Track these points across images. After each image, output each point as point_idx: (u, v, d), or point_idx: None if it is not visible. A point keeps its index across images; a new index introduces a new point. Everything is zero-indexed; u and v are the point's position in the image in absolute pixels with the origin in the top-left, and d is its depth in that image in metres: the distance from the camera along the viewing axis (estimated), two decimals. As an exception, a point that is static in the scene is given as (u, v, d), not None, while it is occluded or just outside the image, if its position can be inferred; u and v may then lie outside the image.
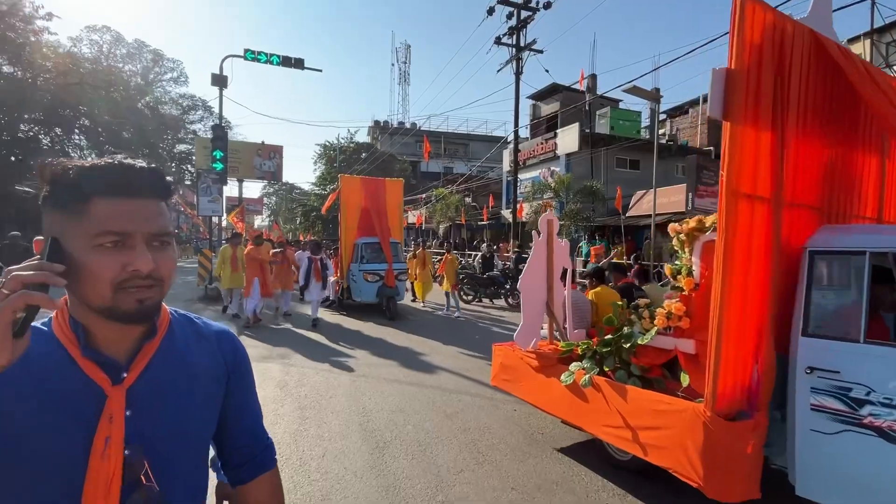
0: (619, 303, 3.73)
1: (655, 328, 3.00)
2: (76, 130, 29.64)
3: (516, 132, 14.42)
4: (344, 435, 3.77)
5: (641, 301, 3.42)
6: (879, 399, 2.07)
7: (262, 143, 30.90)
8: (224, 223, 15.50)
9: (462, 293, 10.77)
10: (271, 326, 8.10)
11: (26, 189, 22.48)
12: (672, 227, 3.16)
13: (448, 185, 25.91)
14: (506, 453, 3.47)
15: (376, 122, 53.25)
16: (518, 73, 14.17)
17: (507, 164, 22.52)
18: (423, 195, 31.35)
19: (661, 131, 20.73)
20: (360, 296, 9.14)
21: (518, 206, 15.32)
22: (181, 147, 42.10)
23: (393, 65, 78.87)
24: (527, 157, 21.01)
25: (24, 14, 18.67)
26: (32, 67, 22.10)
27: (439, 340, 7.08)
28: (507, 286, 10.94)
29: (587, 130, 17.78)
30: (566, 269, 3.98)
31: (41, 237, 0.78)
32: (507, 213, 22.39)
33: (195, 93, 48.82)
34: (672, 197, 13.72)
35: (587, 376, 3.03)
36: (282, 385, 4.99)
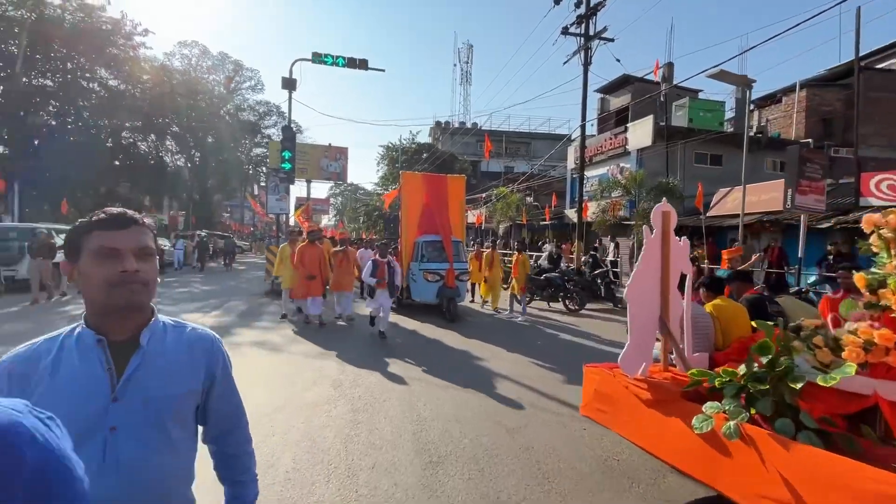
0: (754, 322, 2.77)
1: (847, 364, 2.11)
2: (168, 137, 32.46)
3: (583, 126, 13.61)
4: (396, 444, 3.51)
5: (807, 321, 2.50)
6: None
7: (329, 145, 32.08)
8: (291, 221, 16.17)
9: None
10: (333, 324, 8.14)
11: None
12: (869, 218, 2.32)
13: (509, 184, 25.32)
14: (575, 482, 3.03)
15: (437, 123, 53.70)
16: (586, 64, 13.36)
17: (571, 162, 21.54)
18: (483, 195, 31.00)
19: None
20: (419, 296, 8.93)
21: (584, 204, 14.48)
22: (257, 150, 45.11)
23: (455, 65, 79.06)
24: (594, 153, 19.92)
25: (125, 31, 20.65)
26: (131, 80, 24.42)
27: (501, 346, 6.68)
28: (570, 287, 10.28)
29: (662, 123, 16.44)
30: (685, 275, 3.17)
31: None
32: (570, 213, 21.40)
33: (270, 99, 52.02)
34: (765, 194, 12.23)
35: (732, 423, 2.14)
36: (336, 385, 4.86)
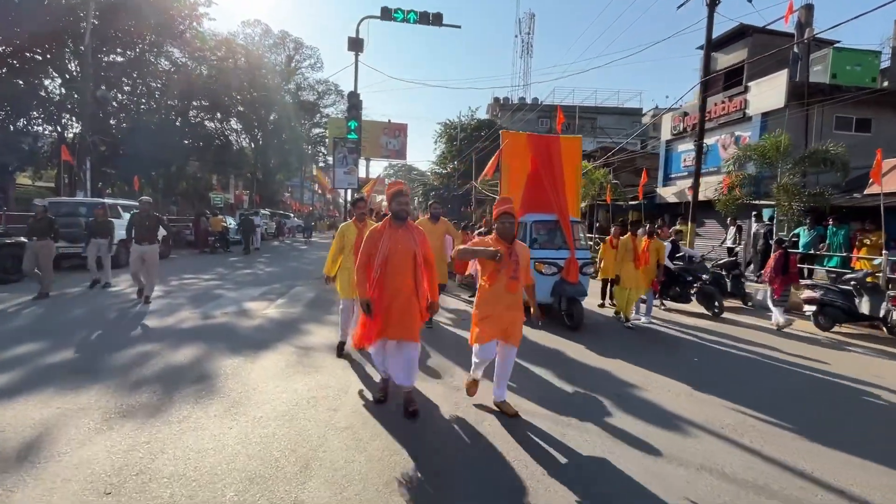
0: None
1: None
2: (233, 116, 32.56)
3: (705, 83, 11.09)
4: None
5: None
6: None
7: (389, 121, 30.69)
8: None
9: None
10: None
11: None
12: None
13: (587, 160, 22.84)
14: None
15: (496, 99, 51.15)
16: (713, 3, 10.78)
17: (667, 132, 18.74)
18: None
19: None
20: (539, 294, 6.78)
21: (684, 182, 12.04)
22: (316, 131, 44.96)
23: (516, 36, 75.21)
24: (696, 121, 17.03)
25: (188, 2, 20.14)
26: (197, 55, 24.19)
27: (653, 369, 4.79)
28: (705, 284, 8.17)
29: (794, 79, 13.39)
30: None
31: None
32: (664, 191, 18.72)
33: (329, 77, 51.58)
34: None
35: None
36: (431, 426, 3.33)
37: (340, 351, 4.84)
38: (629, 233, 7.08)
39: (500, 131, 7.77)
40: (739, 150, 11.16)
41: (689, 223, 11.42)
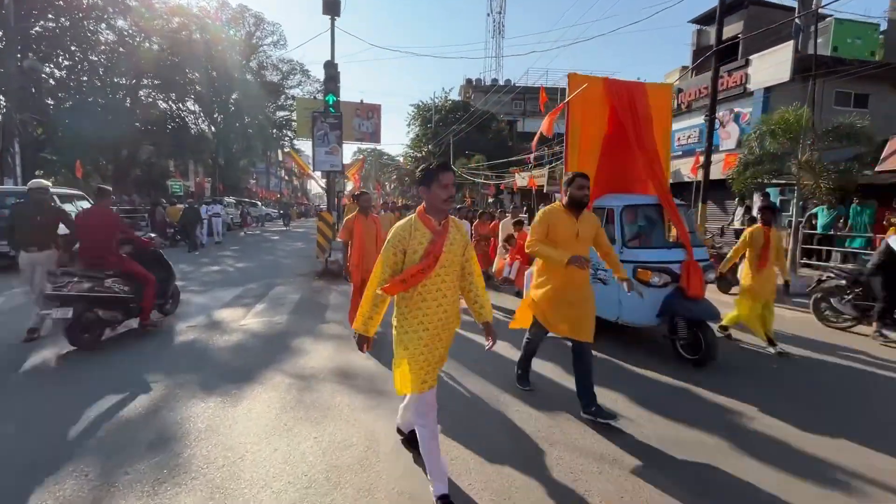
0: None
1: None
2: (190, 96, 29.92)
3: (719, 52, 10.22)
4: None
5: None
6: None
7: (361, 101, 29.04)
8: (348, 186, 13.51)
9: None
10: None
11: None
12: None
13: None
14: None
15: (468, 81, 49.72)
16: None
17: (659, 110, 17.99)
18: (531, 155, 27.71)
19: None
20: (619, 312, 4.59)
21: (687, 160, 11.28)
22: (281, 113, 42.31)
23: (488, 14, 73.45)
24: (693, 97, 16.40)
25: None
26: (146, 27, 21.72)
27: (853, 436, 3.01)
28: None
29: (798, 53, 12.78)
30: None
31: None
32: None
33: (293, 57, 48.63)
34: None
35: None
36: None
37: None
38: (761, 223, 4.85)
39: (568, 74, 5.23)
40: (760, 123, 10.46)
41: (701, 204, 10.68)
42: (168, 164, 31.79)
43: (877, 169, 10.77)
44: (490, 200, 30.56)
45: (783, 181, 10.41)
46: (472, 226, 9.16)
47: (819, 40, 13.95)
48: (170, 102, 28.13)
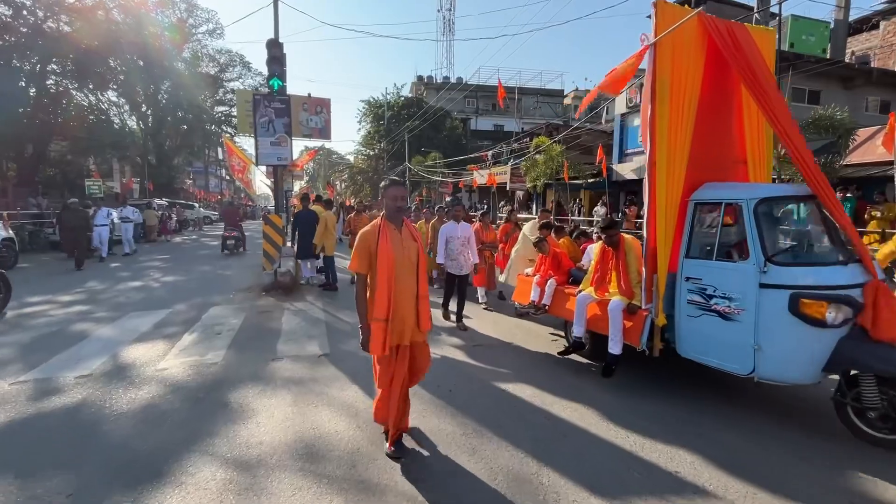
0: None
1: None
2: (111, 86, 26.62)
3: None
4: None
5: None
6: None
7: (309, 95, 27.16)
8: (298, 184, 11.91)
9: None
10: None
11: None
12: None
13: (522, 139, 21.46)
14: None
15: (420, 78, 48.67)
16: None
17: (622, 106, 17.78)
18: (489, 153, 27.09)
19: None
20: (757, 364, 3.07)
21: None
22: (219, 108, 39.13)
23: (438, 11, 72.78)
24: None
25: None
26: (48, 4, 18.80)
27: None
28: None
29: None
30: None
31: None
32: (620, 168, 17.84)
33: (231, 47, 45.26)
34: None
35: None
36: None
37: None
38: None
39: (653, 2, 3.45)
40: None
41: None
42: (87, 162, 28.22)
43: (842, 163, 10.80)
44: (447, 199, 29.68)
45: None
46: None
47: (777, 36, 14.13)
48: (86, 92, 24.84)
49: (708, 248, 3.49)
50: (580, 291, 4.24)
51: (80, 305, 6.43)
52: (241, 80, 38.81)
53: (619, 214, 14.45)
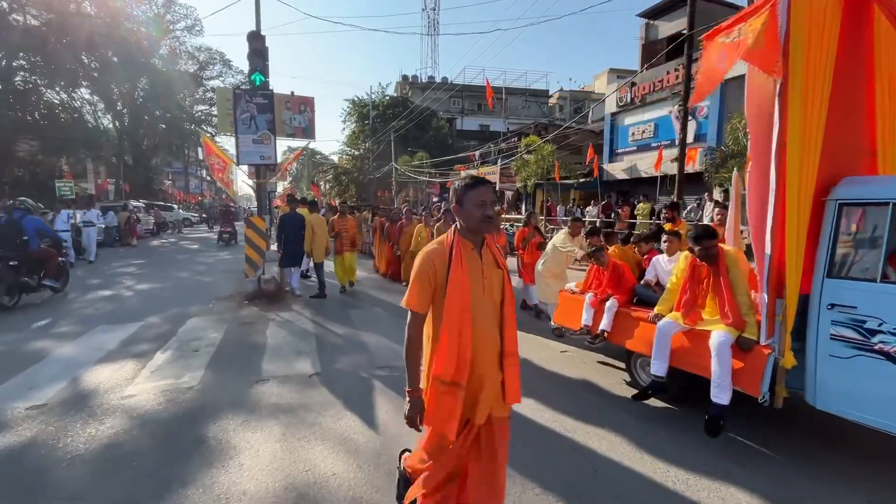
0: None
1: None
2: (83, 83, 25.51)
3: (690, 38, 9.63)
4: None
5: None
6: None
7: (292, 93, 26.42)
8: (283, 185, 11.34)
9: None
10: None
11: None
12: None
13: (517, 138, 21.19)
14: None
15: (404, 77, 48.15)
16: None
17: (612, 105, 17.63)
18: (476, 152, 26.80)
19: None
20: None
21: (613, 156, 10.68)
22: (199, 108, 38.00)
23: (423, 10, 72.37)
24: (644, 91, 16.10)
25: None
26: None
27: None
28: None
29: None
30: None
31: None
32: (610, 168, 17.68)
33: (212, 45, 43.99)
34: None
35: None
36: None
37: None
38: None
39: None
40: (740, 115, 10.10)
41: (678, 201, 10.03)
42: (59, 162, 27.00)
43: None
44: (434, 200, 29.26)
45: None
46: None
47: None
48: (57, 89, 23.74)
49: (868, 265, 2.65)
50: (656, 316, 3.41)
51: (39, 320, 5.83)
52: (221, 79, 37.71)
53: (612, 215, 14.25)
